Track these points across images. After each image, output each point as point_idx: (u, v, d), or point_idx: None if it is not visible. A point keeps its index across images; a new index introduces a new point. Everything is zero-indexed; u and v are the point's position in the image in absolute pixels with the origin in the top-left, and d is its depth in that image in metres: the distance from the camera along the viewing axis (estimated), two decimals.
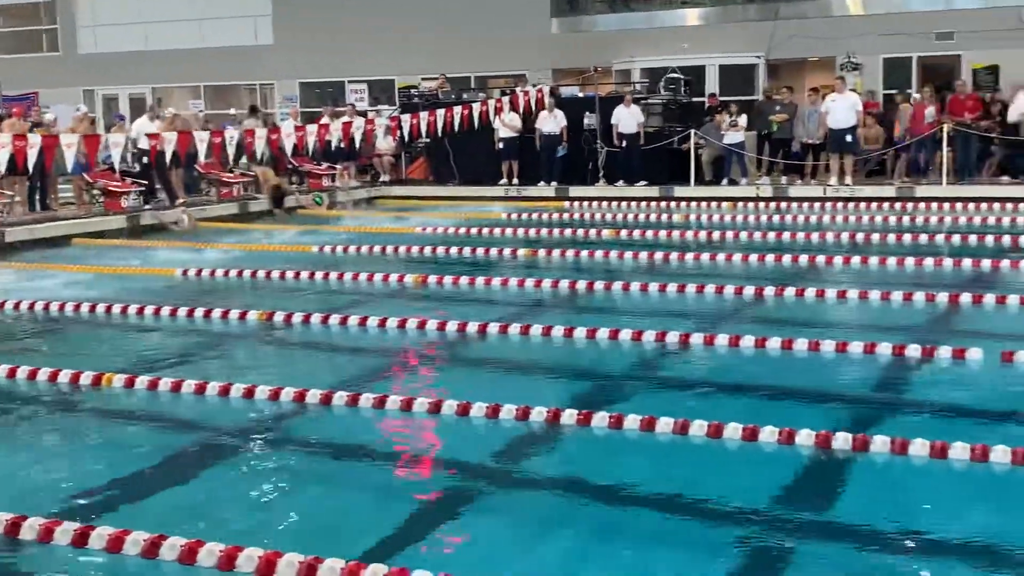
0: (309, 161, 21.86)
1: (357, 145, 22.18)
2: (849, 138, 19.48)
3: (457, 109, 21.78)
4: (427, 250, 14.78)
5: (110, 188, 17.76)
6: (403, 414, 7.24)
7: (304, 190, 21.33)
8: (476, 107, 21.91)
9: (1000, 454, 5.94)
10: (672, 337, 9.03)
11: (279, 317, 10.39)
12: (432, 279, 12.42)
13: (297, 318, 10.31)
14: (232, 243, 16.19)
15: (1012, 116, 18.91)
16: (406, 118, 21.88)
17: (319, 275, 12.87)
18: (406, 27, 27.59)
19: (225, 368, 8.79)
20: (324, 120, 21.90)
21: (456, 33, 27.01)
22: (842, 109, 19.29)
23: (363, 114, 24.16)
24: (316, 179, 21.82)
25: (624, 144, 21.06)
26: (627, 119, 20.98)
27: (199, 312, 10.68)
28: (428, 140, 23.21)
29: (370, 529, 5.31)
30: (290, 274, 12.97)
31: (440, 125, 21.51)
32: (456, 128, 21.77)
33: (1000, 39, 22.63)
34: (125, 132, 18.43)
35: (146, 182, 18.29)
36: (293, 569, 4.70)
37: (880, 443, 6.21)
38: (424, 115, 21.51)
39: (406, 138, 22.84)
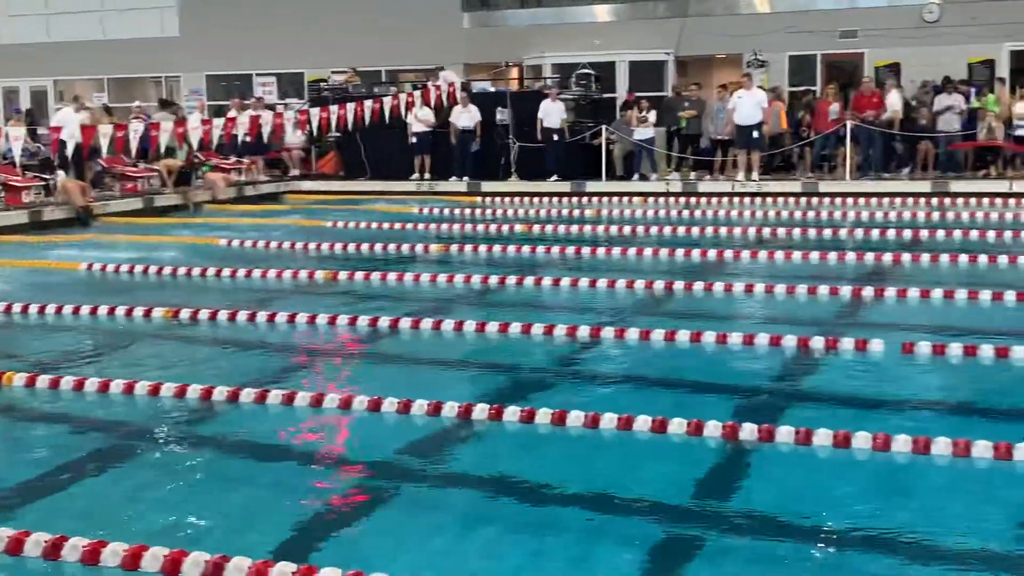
0: (216, 155, 21.51)
1: (266, 139, 21.90)
2: (755, 134, 19.78)
3: (368, 103, 21.63)
4: (338, 245, 14.64)
5: (10, 183, 17.27)
6: (313, 410, 7.16)
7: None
8: (387, 101, 21.79)
9: (901, 443, 6.08)
10: (583, 331, 9.08)
11: (185, 314, 10.20)
12: (343, 275, 12.32)
13: (204, 315, 10.13)
14: (137, 237, 15.86)
15: (887, 113, 19.37)
16: (315, 112, 21.67)
17: (226, 271, 12.67)
18: (315, 20, 27.32)
19: (129, 366, 8.59)
20: (232, 114, 21.58)
21: (366, 26, 26.79)
22: (748, 106, 19.57)
23: (272, 108, 23.87)
24: (223, 173, 21.48)
25: (555, 138, 21.07)
26: (554, 113, 21.00)
27: (103, 309, 10.44)
28: (338, 134, 23.01)
29: (279, 527, 5.24)
30: (196, 270, 12.76)
31: (350, 119, 21.34)
32: (367, 122, 21.62)
33: (902, 37, 23.20)
34: (23, 125, 17.94)
35: (48, 176, 17.83)
36: (199, 568, 4.62)
37: (785, 433, 6.31)
38: (334, 109, 21.33)
39: (315, 132, 22.61)
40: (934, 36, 23.13)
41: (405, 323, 9.58)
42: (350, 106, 21.39)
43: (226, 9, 28.34)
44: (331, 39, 26.90)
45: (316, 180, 23.48)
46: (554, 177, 20.95)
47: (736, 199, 19.00)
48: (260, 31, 27.80)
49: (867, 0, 24.09)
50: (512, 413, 6.85)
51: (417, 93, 22.14)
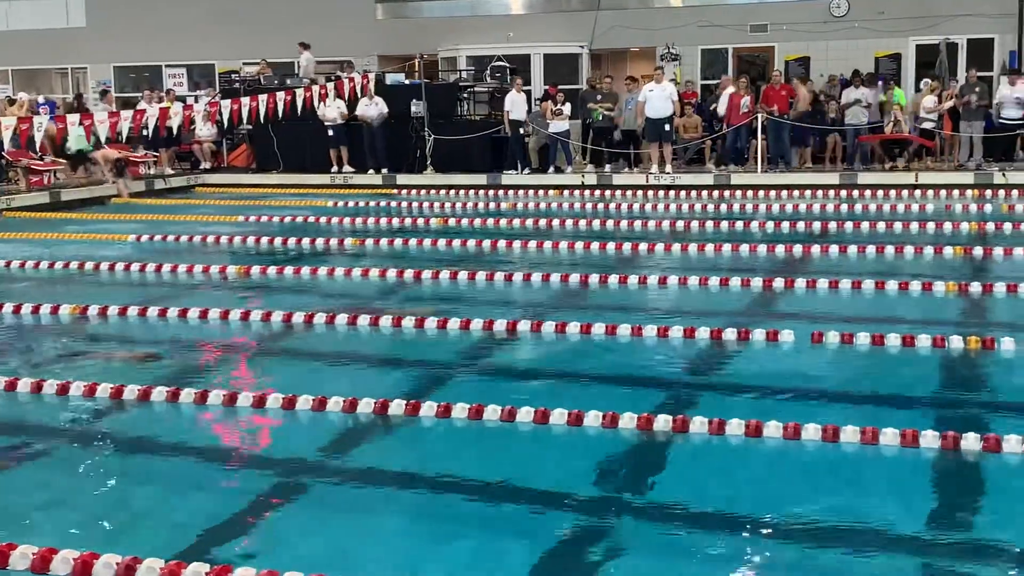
0: (125, 147, 21.07)
1: (175, 131, 21.52)
2: (667, 127, 19.97)
3: (280, 95, 21.37)
4: (250, 239, 14.45)
5: None
6: (226, 408, 7.06)
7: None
8: (300, 93, 21.55)
9: (812, 432, 6.19)
10: (500, 325, 9.08)
11: (94, 310, 9.98)
12: (256, 269, 12.16)
13: (113, 311, 9.93)
14: (45, 233, 15.47)
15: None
16: (226, 104, 21.33)
17: (136, 266, 12.43)
18: (227, 10, 26.91)
19: (37, 365, 8.38)
20: (141, 105, 21.15)
21: (279, 17, 26.48)
22: (659, 99, 19.74)
23: (182, 99, 23.45)
24: (132, 166, 21.06)
25: (521, 131, 21.02)
26: (520, 105, 20.94)
27: (8, 307, 10.17)
28: (250, 127, 22.70)
29: (192, 527, 5.16)
30: (105, 265, 12.49)
31: (262, 111, 21.06)
32: (279, 114, 21.37)
33: (811, 31, 23.63)
34: None
35: None
36: (111, 570, 4.54)
37: (699, 424, 6.38)
38: (245, 101, 21.03)
39: (226, 124, 22.28)
40: (842, 30, 23.61)
41: (320, 318, 9.48)
42: (262, 98, 21.10)
43: None
44: (243, 30, 26.55)
45: (227, 173, 23.13)
46: (527, 170, 20.96)
47: (651, 192, 19.16)
48: (170, 21, 27.30)
49: None
50: (429, 408, 6.82)
51: (330, 85, 21.93)
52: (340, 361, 8.50)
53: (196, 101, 23.58)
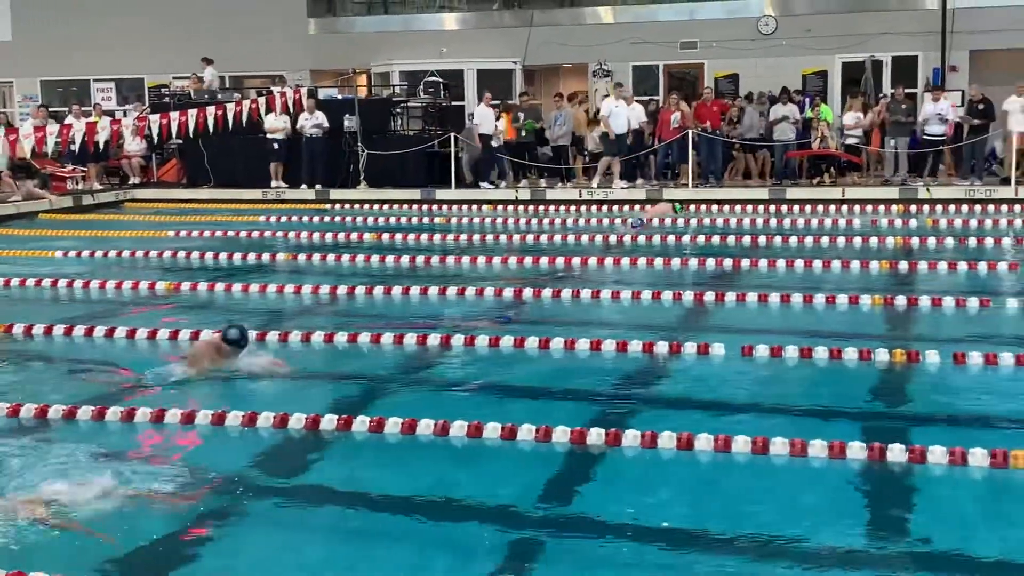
0: (52, 163, 20.72)
1: (103, 146, 21.20)
2: (628, 142, 20.20)
3: (211, 109, 21.16)
4: (180, 255, 14.27)
5: None
6: (154, 426, 6.95)
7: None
8: (231, 107, 21.36)
9: (742, 444, 6.26)
10: (433, 340, 9.06)
11: (18, 328, 9.78)
12: (185, 286, 12.01)
13: (38, 329, 9.73)
14: None
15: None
16: (155, 118, 21.07)
17: (63, 283, 12.21)
18: (156, 24, 26.64)
19: None
20: (68, 120, 20.82)
21: (210, 31, 26.25)
22: (623, 116, 19.98)
23: (110, 114, 23.12)
24: (60, 181, 20.71)
25: (493, 144, 20.99)
26: (489, 119, 20.92)
27: None
28: (180, 141, 22.44)
29: (121, 546, 5.08)
30: (31, 282, 12.25)
31: (192, 126, 20.84)
32: (209, 129, 21.16)
33: (740, 49, 23.98)
34: None
35: None
36: None
37: (631, 437, 6.42)
38: (175, 115, 20.79)
39: (155, 139, 21.99)
40: (770, 48, 24.01)
41: (250, 335, 9.37)
42: (192, 112, 20.87)
43: (61, 12, 27.34)
44: (173, 44, 26.26)
45: (157, 188, 22.83)
46: (503, 184, 20.97)
47: (584, 207, 19.27)
48: (98, 35, 26.94)
49: (706, 12, 24.82)
50: (361, 423, 6.79)
51: (262, 100, 21.77)
52: (271, 377, 8.40)
53: (125, 115, 23.27)
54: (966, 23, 22.83)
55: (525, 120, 21.24)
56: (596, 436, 6.47)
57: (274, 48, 26.03)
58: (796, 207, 18.08)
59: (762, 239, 14.69)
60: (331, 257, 13.99)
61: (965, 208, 17.40)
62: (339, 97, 22.83)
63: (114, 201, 21.40)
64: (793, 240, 14.54)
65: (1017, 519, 5.41)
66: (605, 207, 19.23)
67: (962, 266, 12.15)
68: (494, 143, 20.92)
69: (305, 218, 18.41)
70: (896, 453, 6.05)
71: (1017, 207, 17.25)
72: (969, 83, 21.81)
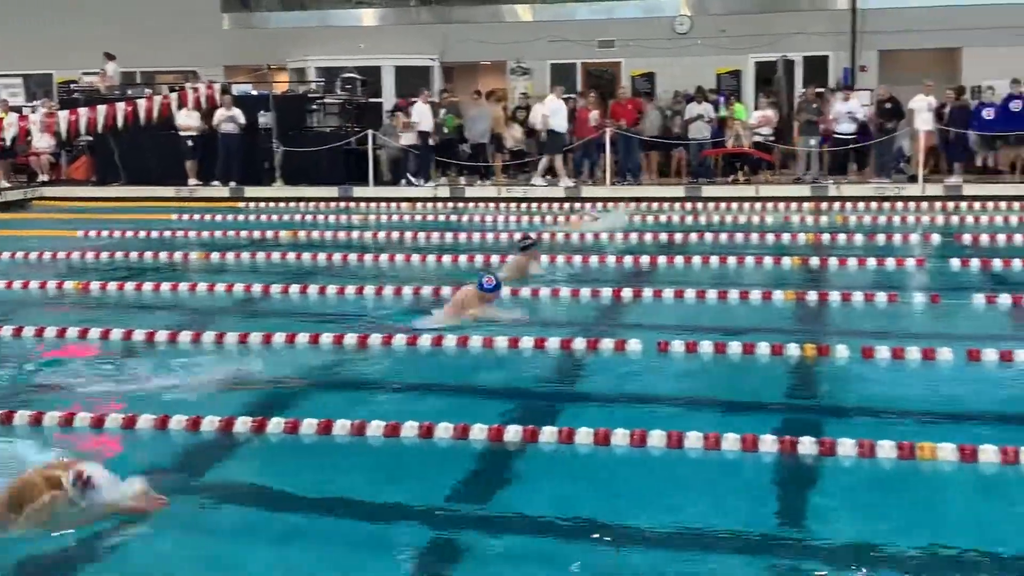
0: None
1: (10, 143, 20.67)
2: (567, 139, 20.35)
3: (120, 105, 20.75)
4: (90, 255, 13.97)
5: None
6: (64, 429, 6.80)
7: None
8: (142, 104, 20.97)
9: (657, 439, 6.32)
10: (350, 339, 9.00)
11: None
12: (95, 285, 11.77)
13: None
14: None
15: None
16: (64, 114, 20.60)
17: None
18: (66, 18, 26.01)
19: None
20: None
21: (121, 26, 25.71)
22: (563, 114, 20.10)
23: (17, 110, 22.55)
24: None
25: (430, 142, 20.86)
26: (427, 115, 20.72)
27: None
28: (90, 138, 21.96)
29: (26, 548, 4.96)
30: None
31: (102, 122, 20.42)
32: (120, 125, 20.75)
33: (656, 48, 24.20)
34: None
35: None
36: None
37: (548, 434, 6.45)
38: (85, 111, 20.35)
39: (64, 135, 21.50)
40: (685, 47, 24.26)
41: (161, 336, 9.24)
42: (102, 108, 20.45)
43: None
44: (83, 39, 25.65)
45: (67, 186, 22.30)
46: (435, 183, 20.84)
47: (502, 204, 19.28)
48: (4, 29, 26.21)
49: (623, 12, 25.00)
50: (276, 425, 6.71)
51: (173, 96, 21.41)
52: (185, 378, 8.26)
53: (33, 112, 22.69)
54: (875, 23, 23.33)
55: (446, 116, 21.19)
56: (513, 433, 6.48)
57: (187, 43, 25.60)
58: (711, 204, 18.30)
59: (678, 236, 14.83)
60: (246, 255, 13.81)
61: (874, 205, 17.77)
62: (254, 93, 22.55)
63: (22, 199, 20.87)
64: (708, 237, 14.72)
65: (923, 508, 5.53)
66: (524, 205, 19.26)
67: (871, 262, 12.41)
68: (405, 141, 20.85)
69: (219, 216, 18.13)
70: (807, 446, 6.16)
71: (924, 204, 17.67)
72: (878, 83, 22.27)
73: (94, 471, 5.27)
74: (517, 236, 13.54)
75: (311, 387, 8.01)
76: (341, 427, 6.63)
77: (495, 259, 12.85)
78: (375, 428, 6.60)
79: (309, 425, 6.67)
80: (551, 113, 20.09)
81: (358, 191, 20.55)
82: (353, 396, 7.74)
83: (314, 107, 22.87)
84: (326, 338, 9.02)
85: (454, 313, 9.51)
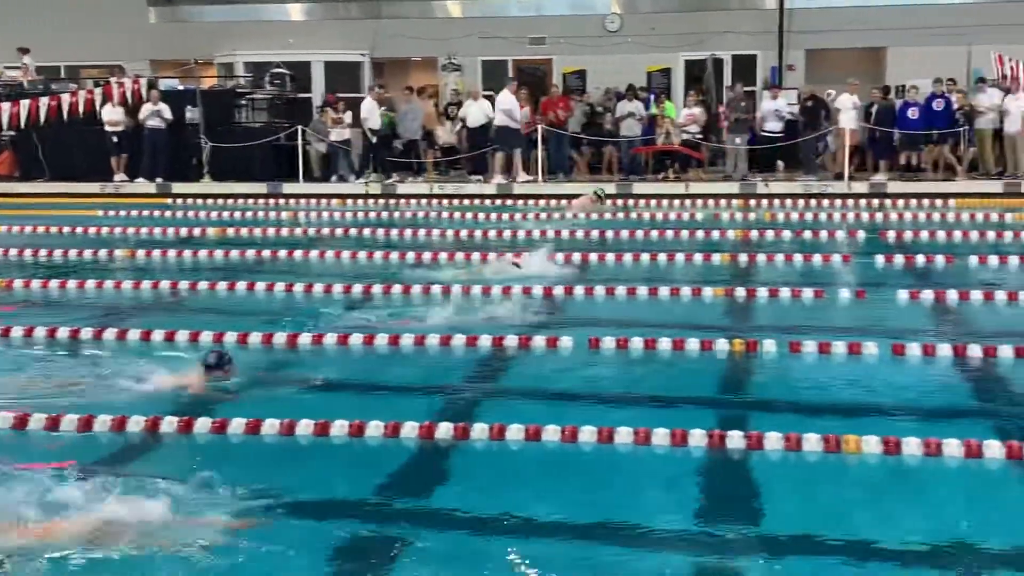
0: None
1: None
2: (519, 135, 20.40)
3: (44, 100, 20.34)
4: (12, 251, 13.67)
5: None
6: None
7: None
8: (66, 98, 20.57)
9: (588, 435, 6.34)
10: (280, 338, 8.91)
11: None
12: (18, 283, 11.52)
13: None
14: None
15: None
16: None
17: None
18: None
19: None
20: None
21: (44, 19, 25.17)
22: (517, 108, 20.22)
23: None
24: None
25: (374, 140, 20.72)
26: (376, 113, 20.62)
27: None
28: (12, 133, 21.48)
29: None
30: None
31: (25, 117, 19.99)
32: (45, 120, 20.33)
33: (587, 45, 24.29)
34: None
35: None
36: None
37: (480, 430, 6.45)
38: (7, 106, 19.92)
39: None
40: (616, 45, 24.39)
41: (87, 333, 9.06)
42: (25, 103, 20.02)
43: None
44: (4, 32, 25.07)
45: None
46: (354, 178, 20.72)
47: (434, 201, 19.24)
48: None
49: (554, 8, 25.06)
50: (203, 425, 6.62)
51: (98, 91, 21.03)
52: (108, 377, 8.10)
53: None
54: (802, 23, 23.66)
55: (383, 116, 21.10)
56: (445, 431, 6.46)
57: (112, 37, 25.15)
58: (642, 201, 18.42)
59: (610, 233, 14.89)
60: (172, 252, 13.62)
61: (801, 203, 18.02)
62: (181, 88, 22.25)
63: None
64: (639, 234, 14.81)
65: (850, 500, 5.62)
66: (456, 201, 19.24)
67: (798, 258, 12.58)
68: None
69: (145, 213, 17.84)
70: (735, 440, 6.23)
71: (850, 202, 17.96)
72: (805, 82, 22.60)
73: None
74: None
75: (240, 386, 7.88)
76: (270, 427, 6.56)
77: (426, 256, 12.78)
78: (304, 427, 6.54)
79: (237, 425, 6.59)
80: (504, 109, 20.07)
81: (288, 187, 20.37)
82: (282, 395, 7.62)
83: (242, 102, 22.64)
84: (254, 337, 8.92)
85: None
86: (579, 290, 10.84)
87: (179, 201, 19.59)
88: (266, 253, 13.51)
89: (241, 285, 11.26)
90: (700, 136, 21.05)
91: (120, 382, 7.79)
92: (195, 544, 5.05)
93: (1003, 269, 12.02)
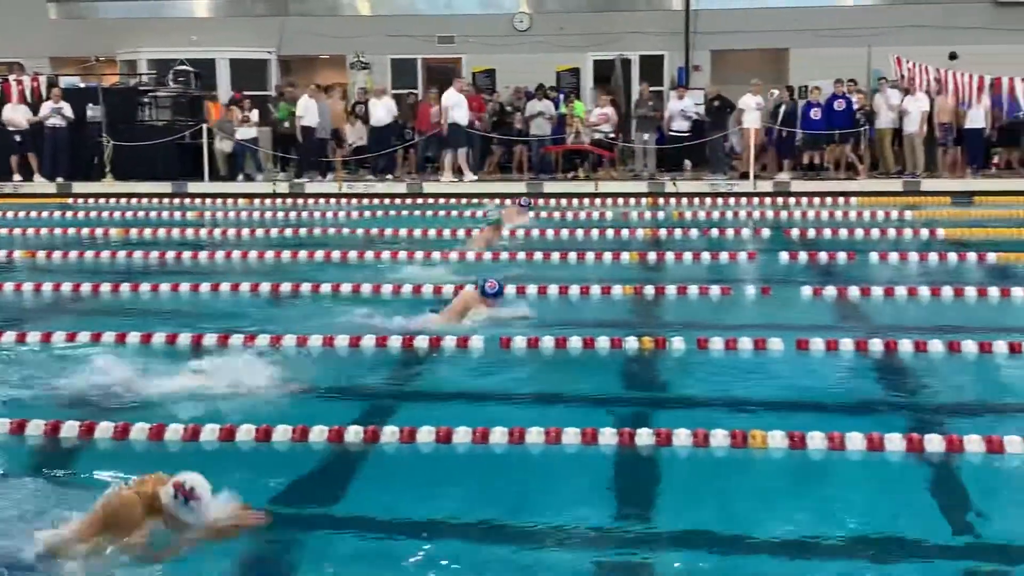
0: None
1: None
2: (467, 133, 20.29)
3: None
4: None
5: None
6: None
7: None
8: None
9: (499, 436, 6.34)
10: (184, 339, 8.74)
11: None
12: None
13: None
14: None
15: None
16: None
17: None
18: None
19: None
20: None
21: None
22: (464, 106, 20.05)
23: None
24: None
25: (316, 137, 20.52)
26: (313, 111, 20.30)
27: None
28: None
29: None
30: None
31: None
32: None
33: (496, 44, 24.30)
34: None
35: None
36: None
37: (390, 433, 6.40)
38: None
39: None
40: (525, 44, 24.43)
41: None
42: None
43: None
44: None
45: None
46: (329, 175, 20.50)
47: (343, 200, 19.09)
48: None
49: (463, 7, 25.01)
50: (105, 429, 6.47)
51: None
52: (6, 382, 7.87)
53: None
54: (708, 24, 23.96)
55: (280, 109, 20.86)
56: (354, 434, 6.41)
57: (11, 34, 24.42)
58: (552, 200, 18.48)
59: (520, 232, 14.87)
60: (74, 254, 13.29)
61: (708, 201, 18.25)
62: (82, 86, 21.73)
63: None
64: (550, 233, 14.85)
65: (755, 495, 5.70)
66: (365, 200, 19.10)
67: (705, 256, 12.74)
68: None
69: (45, 213, 17.38)
70: (644, 437, 6.28)
71: (756, 200, 18.25)
72: (711, 82, 22.89)
73: (194, 480, 4.70)
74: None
75: (141, 389, 7.67)
76: (174, 432, 6.44)
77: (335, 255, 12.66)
78: (209, 432, 6.45)
79: (140, 430, 6.48)
80: (452, 106, 19.96)
81: (193, 187, 20.03)
82: (185, 400, 7.40)
83: (146, 100, 22.18)
84: (158, 338, 8.75)
85: (455, 318, 9.20)
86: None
87: (80, 201, 19.13)
88: (170, 254, 13.25)
89: (145, 286, 11.03)
90: (613, 136, 21.20)
91: (20, 386, 7.59)
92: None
93: (903, 265, 12.32)
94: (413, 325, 9.15)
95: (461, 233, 14.87)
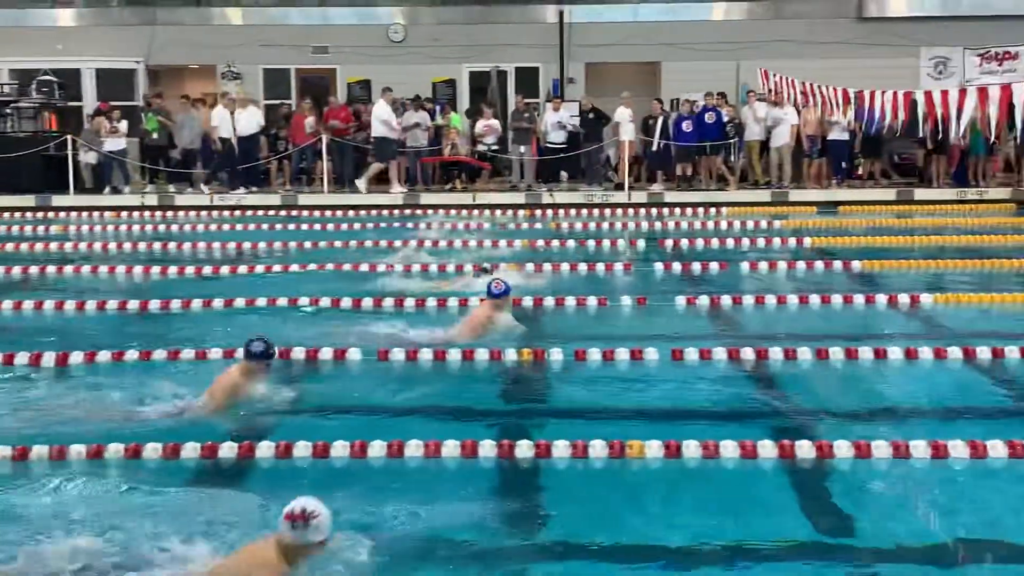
0: None
1: None
2: (395, 146, 20.05)
3: None
4: None
5: None
6: None
7: None
8: None
9: (451, 448, 6.33)
10: (48, 358, 8.42)
11: None
12: None
13: None
14: None
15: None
16: None
17: None
18: None
19: None
20: None
21: None
22: (392, 118, 19.86)
23: None
24: None
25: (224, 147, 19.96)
26: (227, 121, 19.82)
27: None
28: None
29: None
30: None
31: None
32: None
33: (371, 55, 24.16)
34: None
35: None
36: None
37: (303, 448, 6.35)
38: None
39: None
40: (401, 55, 24.34)
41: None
42: None
43: None
44: None
45: None
46: (253, 188, 20.15)
47: (215, 212, 18.72)
48: None
49: (337, 18, 24.81)
50: (39, 453, 6.29)
51: None
52: None
53: None
54: (582, 37, 24.24)
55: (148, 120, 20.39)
56: (266, 449, 6.36)
57: None
58: (431, 211, 18.42)
59: (397, 242, 14.74)
60: None
61: (585, 212, 18.43)
62: None
63: None
64: (428, 244, 14.78)
65: (633, 504, 5.75)
66: (238, 212, 18.76)
67: (582, 267, 12.84)
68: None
69: None
70: (523, 449, 6.29)
71: (631, 211, 18.50)
72: (586, 94, 23.14)
73: (297, 503, 4.65)
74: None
75: (42, 410, 7.38)
76: (114, 451, 6.35)
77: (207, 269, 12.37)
78: (152, 451, 6.34)
79: (77, 451, 6.34)
80: (383, 118, 19.68)
81: (57, 200, 19.40)
82: (86, 421, 7.11)
83: (7, 111, 21.41)
84: (21, 358, 8.43)
85: (472, 333, 9.02)
86: (367, 302, 10.71)
87: None
88: (34, 269, 12.80)
89: (7, 304, 10.61)
90: (496, 148, 21.28)
91: None
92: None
93: (772, 274, 12.62)
94: (428, 338, 9.02)
95: (338, 244, 14.73)
